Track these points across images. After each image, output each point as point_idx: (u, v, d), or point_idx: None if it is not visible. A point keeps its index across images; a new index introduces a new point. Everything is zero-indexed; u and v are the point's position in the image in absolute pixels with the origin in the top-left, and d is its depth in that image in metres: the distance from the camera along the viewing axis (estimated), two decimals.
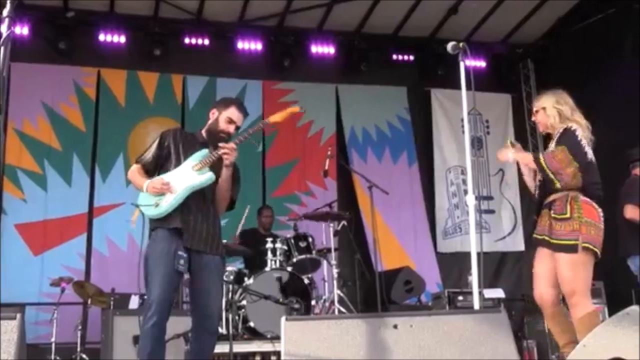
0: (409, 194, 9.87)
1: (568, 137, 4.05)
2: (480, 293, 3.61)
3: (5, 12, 2.57)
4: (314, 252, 7.18)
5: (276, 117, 4.32)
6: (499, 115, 10.55)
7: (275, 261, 6.80)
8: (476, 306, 2.74)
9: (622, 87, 8.36)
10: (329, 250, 7.22)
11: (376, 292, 6.92)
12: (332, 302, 6.89)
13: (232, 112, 4.28)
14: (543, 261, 4.12)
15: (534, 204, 4.37)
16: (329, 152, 7.30)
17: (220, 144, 4.09)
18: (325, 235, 7.41)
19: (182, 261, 3.89)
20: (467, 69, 3.47)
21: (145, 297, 3.96)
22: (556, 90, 4.28)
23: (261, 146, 9.47)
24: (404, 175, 9.98)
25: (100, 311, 7.08)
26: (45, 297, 7.85)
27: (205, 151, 4.16)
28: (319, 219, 7.42)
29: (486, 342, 2.22)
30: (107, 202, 8.68)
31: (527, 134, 10.67)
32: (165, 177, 4.09)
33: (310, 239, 7.23)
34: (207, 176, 4.06)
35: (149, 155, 4.24)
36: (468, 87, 3.38)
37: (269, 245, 6.86)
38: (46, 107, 8.85)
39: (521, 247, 10.09)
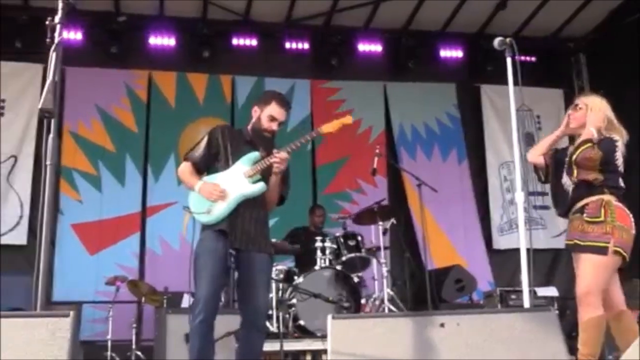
0: (458, 191, 9.77)
1: (607, 146, 4.03)
2: (532, 291, 3.54)
3: (57, 19, 2.64)
4: (363, 250, 7.17)
5: (328, 128, 4.27)
6: (550, 110, 10.35)
7: (325, 260, 6.80)
8: (526, 305, 2.70)
9: None
10: (378, 248, 7.19)
11: (426, 291, 6.87)
12: (382, 301, 6.88)
13: (273, 109, 4.25)
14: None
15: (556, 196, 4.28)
16: (377, 151, 7.27)
17: (274, 153, 4.08)
18: (374, 233, 7.39)
19: (232, 259, 3.96)
20: (515, 65, 3.42)
21: (194, 294, 3.99)
22: (601, 97, 4.26)
23: (311, 145, 9.51)
24: (454, 172, 9.89)
25: (153, 309, 7.22)
26: (101, 296, 8.02)
27: (256, 154, 4.18)
28: (367, 222, 7.40)
29: (535, 341, 2.18)
30: (160, 201, 8.83)
31: None
32: (218, 180, 4.12)
33: (359, 238, 7.23)
34: (259, 187, 4.10)
35: (198, 153, 4.25)
36: (516, 83, 3.33)
37: (319, 244, 6.87)
38: (99, 110, 9.06)
39: None
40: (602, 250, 3.86)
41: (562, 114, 10.26)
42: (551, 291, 7.68)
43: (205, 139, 4.27)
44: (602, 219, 3.94)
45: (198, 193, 4.11)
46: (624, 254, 3.88)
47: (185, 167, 4.27)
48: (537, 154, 4.35)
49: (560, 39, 10.27)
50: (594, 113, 4.09)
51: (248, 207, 4.12)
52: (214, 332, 3.93)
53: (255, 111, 4.30)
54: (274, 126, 4.24)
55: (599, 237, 3.90)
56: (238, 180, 4.11)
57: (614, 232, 3.88)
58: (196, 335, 3.84)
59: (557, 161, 4.25)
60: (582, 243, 3.93)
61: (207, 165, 4.25)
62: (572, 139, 4.38)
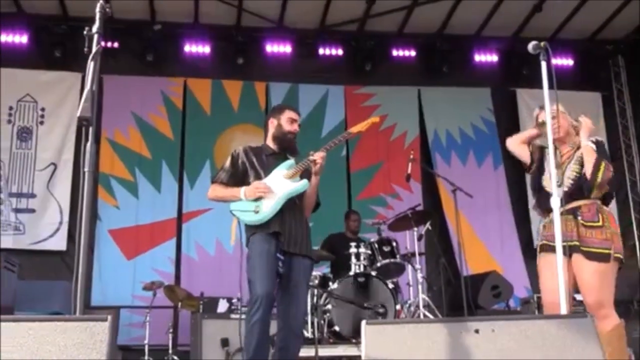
0: (494, 196, 9.68)
1: (605, 153, 4.03)
2: (570, 297, 3.49)
3: (94, 29, 2.69)
4: (398, 256, 7.14)
5: (358, 128, 4.40)
6: (588, 114, 10.17)
7: (360, 265, 6.79)
8: (563, 311, 2.67)
9: None
10: (413, 254, 7.17)
11: (462, 297, 6.81)
12: (418, 307, 6.84)
13: (289, 114, 4.44)
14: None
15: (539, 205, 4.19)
16: (411, 156, 7.25)
17: (310, 154, 4.17)
18: (409, 239, 7.36)
19: (280, 263, 4.03)
20: (550, 69, 3.38)
21: (250, 296, 4.00)
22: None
23: (345, 150, 9.53)
24: (489, 177, 9.80)
25: (189, 314, 7.29)
26: (138, 300, 8.14)
27: (291, 161, 4.29)
28: (402, 228, 7.37)
29: (571, 348, 2.15)
30: (195, 207, 8.91)
31: (619, 133, 10.30)
32: (261, 182, 4.19)
33: (394, 243, 7.19)
34: (303, 183, 4.20)
35: (225, 173, 4.36)
36: (551, 87, 3.29)
37: (353, 249, 6.86)
38: (136, 117, 9.20)
39: None
40: (605, 258, 3.79)
41: (601, 118, 10.20)
42: None
43: (229, 160, 4.41)
44: (600, 224, 3.89)
45: (244, 198, 4.16)
46: (622, 259, 3.88)
47: (217, 187, 4.37)
48: (516, 143, 4.34)
49: (598, 42, 10.11)
50: (584, 127, 4.09)
51: (292, 211, 4.20)
52: (269, 330, 3.96)
53: (272, 122, 4.46)
54: (295, 126, 4.42)
55: (601, 243, 3.83)
56: (281, 182, 4.19)
57: (613, 238, 3.85)
58: (253, 333, 3.86)
59: (541, 159, 4.20)
60: (585, 249, 3.84)
61: (236, 182, 4.31)
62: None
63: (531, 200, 9.48)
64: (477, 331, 2.14)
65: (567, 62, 9.86)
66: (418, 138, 9.81)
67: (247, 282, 4.04)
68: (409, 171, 7.19)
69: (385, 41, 9.76)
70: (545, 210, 4.00)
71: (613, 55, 10.42)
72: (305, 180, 4.20)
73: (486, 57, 9.92)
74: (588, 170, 3.89)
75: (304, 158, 4.29)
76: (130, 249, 8.70)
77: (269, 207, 4.10)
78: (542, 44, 3.26)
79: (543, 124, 4.04)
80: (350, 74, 9.88)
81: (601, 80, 10.32)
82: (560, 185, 3.90)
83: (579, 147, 4.05)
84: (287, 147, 4.40)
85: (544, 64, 3.16)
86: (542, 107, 4.09)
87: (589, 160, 3.89)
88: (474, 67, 9.99)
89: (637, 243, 9.95)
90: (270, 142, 4.45)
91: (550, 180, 3.86)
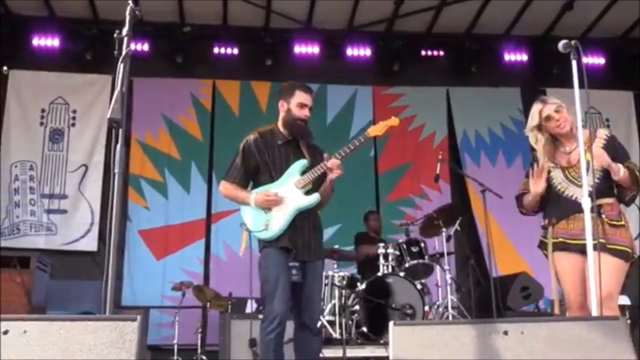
0: None
1: (627, 154, 3.98)
2: (601, 299, 3.44)
3: (124, 31, 2.72)
4: (426, 257, 7.10)
5: (376, 131, 4.26)
6: (620, 113, 10.06)
7: (388, 266, 6.77)
8: (594, 313, 2.63)
9: None
10: (441, 255, 7.13)
11: (491, 298, 6.75)
12: (446, 308, 6.80)
13: (300, 96, 4.27)
14: (577, 267, 3.92)
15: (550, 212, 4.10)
16: (440, 157, 7.21)
17: (325, 159, 4.10)
18: (437, 240, 7.32)
19: (294, 271, 4.02)
20: (581, 68, 3.32)
21: (265, 308, 4.06)
22: None
23: (373, 151, 9.50)
24: (519, 178, 9.61)
25: (218, 314, 7.33)
26: (167, 300, 8.21)
27: (304, 162, 4.20)
28: (431, 234, 7.35)
29: (602, 350, 2.12)
30: (224, 208, 8.93)
31: None
32: (272, 190, 4.12)
33: (422, 244, 7.16)
34: (314, 198, 4.11)
35: (237, 171, 4.27)
36: (582, 86, 3.24)
37: (381, 250, 6.84)
38: (165, 119, 9.28)
39: None
40: (627, 256, 3.83)
41: (633, 117, 10.05)
42: (623, 300, 7.42)
43: (240, 155, 4.29)
44: (623, 223, 3.89)
45: (254, 204, 4.13)
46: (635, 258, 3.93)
47: (228, 185, 4.30)
48: (533, 209, 4.30)
49: (629, 40, 9.95)
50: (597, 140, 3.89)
51: (304, 217, 4.15)
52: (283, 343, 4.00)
53: (282, 105, 4.31)
54: (306, 111, 4.26)
55: (623, 241, 3.83)
56: (291, 192, 4.12)
57: (632, 238, 3.89)
58: (269, 350, 3.90)
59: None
60: (611, 246, 3.79)
61: (248, 180, 4.27)
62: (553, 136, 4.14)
63: None
64: (505, 333, 2.12)
65: (599, 60, 9.72)
66: (447, 138, 9.75)
67: (260, 288, 4.09)
68: (438, 171, 7.14)
69: (413, 41, 9.72)
70: (562, 216, 3.97)
71: None
72: (316, 195, 4.12)
73: (516, 57, 9.82)
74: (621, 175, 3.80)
75: (318, 154, 4.25)
76: (160, 249, 8.79)
77: (278, 225, 4.08)
78: (572, 42, 3.21)
79: (548, 118, 3.99)
80: (379, 75, 9.86)
81: (633, 78, 10.15)
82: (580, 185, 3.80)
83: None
84: (298, 133, 4.29)
85: (574, 63, 3.11)
86: (543, 101, 4.09)
87: (618, 177, 3.81)
88: (504, 67, 9.89)
89: None
90: (281, 127, 4.33)
91: (568, 184, 3.95)
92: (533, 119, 4.12)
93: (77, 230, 8.69)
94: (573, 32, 9.00)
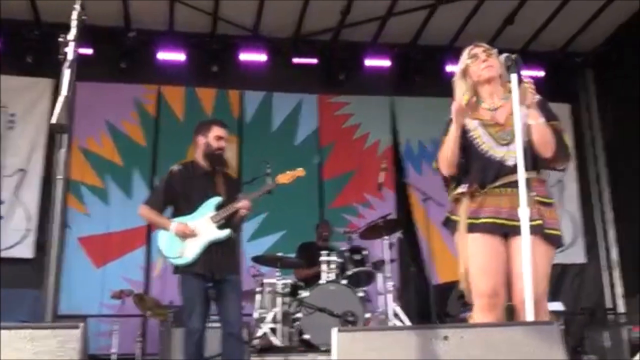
0: None
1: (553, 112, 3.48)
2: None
3: (70, 35, 2.68)
4: (368, 265, 7.17)
5: (284, 179, 4.98)
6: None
7: (330, 274, 6.81)
8: (529, 318, 2.71)
9: None
10: (383, 263, 7.21)
11: (431, 305, 6.87)
12: (387, 316, 6.87)
13: (216, 131, 4.88)
14: (498, 251, 3.33)
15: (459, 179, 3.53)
16: (383, 165, 7.31)
17: (239, 198, 4.75)
18: (380, 247, 7.40)
19: (211, 290, 4.62)
20: (521, 81, 3.40)
21: (186, 326, 4.71)
22: None
23: (318, 159, 9.56)
24: None
25: (158, 323, 7.24)
26: (106, 309, 8.05)
27: (218, 199, 4.76)
28: (373, 237, 7.41)
29: (537, 354, 2.20)
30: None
31: (586, 145, 10.48)
32: (189, 224, 4.68)
33: (365, 252, 7.24)
34: (226, 233, 4.71)
35: (157, 199, 4.91)
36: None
37: (324, 258, 6.88)
38: (109, 125, 9.13)
39: (582, 259, 9.85)
40: (559, 242, 3.34)
41: (570, 129, 10.35)
42: (557, 306, 7.65)
43: (163, 184, 4.95)
44: (552, 200, 3.38)
45: (172, 233, 4.66)
46: None
47: (149, 210, 4.88)
48: (453, 163, 3.57)
49: (568, 54, 10.27)
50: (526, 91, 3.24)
51: (217, 243, 4.71)
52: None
53: (201, 140, 4.90)
54: (223, 143, 4.89)
55: (556, 224, 3.31)
56: (205, 225, 4.70)
57: (560, 219, 3.37)
58: (192, 358, 4.53)
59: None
60: (548, 231, 3.25)
61: (166, 208, 4.89)
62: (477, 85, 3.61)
63: None
64: (446, 338, 2.18)
65: (538, 73, 10.00)
66: (391, 147, 9.87)
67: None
68: (381, 180, 7.24)
69: (359, 51, 9.80)
70: (486, 181, 3.37)
71: (582, 68, 10.59)
72: (228, 231, 4.71)
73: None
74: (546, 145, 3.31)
75: (261, 177, 5.13)
76: (100, 257, 8.61)
77: (192, 254, 4.61)
78: (513, 56, 3.28)
79: (474, 56, 3.57)
80: (324, 83, 9.92)
81: (570, 92, 10.48)
82: (508, 144, 3.32)
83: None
84: (217, 164, 4.87)
85: (514, 77, 3.19)
86: (475, 44, 3.67)
87: (540, 134, 3.30)
88: (447, 78, 9.96)
89: (602, 252, 10.11)
90: (200, 160, 4.88)
91: (492, 143, 3.41)
92: (461, 60, 3.69)
93: (13, 237, 8.43)
94: (514, 44, 9.22)
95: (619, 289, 9.87)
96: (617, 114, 10.07)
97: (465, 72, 3.61)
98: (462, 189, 3.50)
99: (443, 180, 3.76)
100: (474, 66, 3.55)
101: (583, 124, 10.52)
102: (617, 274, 9.95)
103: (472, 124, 3.54)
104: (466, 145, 3.51)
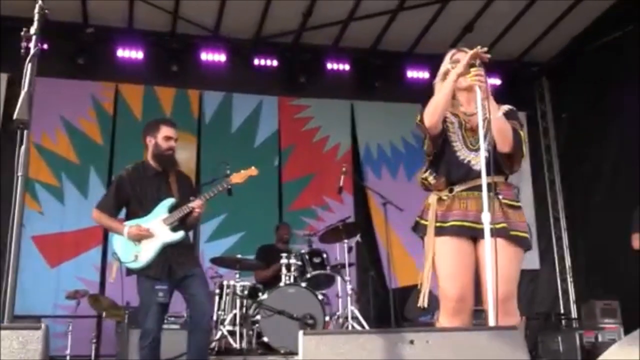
0: None
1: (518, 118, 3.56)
2: (496, 310, 3.44)
3: (32, 30, 2.64)
4: (328, 268, 7.19)
5: (237, 178, 4.84)
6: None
7: (290, 277, 6.81)
8: (491, 323, 2.75)
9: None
10: (343, 266, 7.23)
11: (390, 309, 6.91)
12: (346, 319, 6.89)
13: (165, 131, 4.79)
14: (466, 254, 3.36)
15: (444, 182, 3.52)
16: (343, 169, 7.33)
17: (191, 200, 4.66)
18: (339, 251, 7.42)
19: (161, 294, 4.48)
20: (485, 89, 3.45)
21: (141, 327, 4.64)
22: None
23: (277, 161, 9.55)
24: (420, 192, 9.93)
25: (114, 324, 7.14)
26: (61, 310, 7.90)
27: (171, 201, 4.71)
28: (332, 240, 7.42)
29: (501, 357, 2.23)
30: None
31: (542, 152, 10.68)
32: (143, 226, 4.62)
33: (324, 255, 7.25)
34: (180, 235, 4.67)
35: (109, 203, 4.79)
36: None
37: (284, 260, 6.88)
38: (64, 121, 8.96)
39: (536, 265, 10.03)
40: (527, 244, 3.37)
41: (525, 137, 10.51)
42: None
43: (114, 188, 4.85)
44: (520, 204, 3.42)
45: (127, 237, 4.60)
46: None
47: (102, 215, 4.78)
48: (437, 115, 3.53)
49: (524, 63, 10.47)
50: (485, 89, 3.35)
51: (172, 245, 4.66)
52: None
53: (150, 140, 4.82)
54: (172, 143, 4.80)
55: (524, 226, 3.35)
56: (159, 228, 4.65)
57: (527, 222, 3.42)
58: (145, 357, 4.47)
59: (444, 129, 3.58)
60: (514, 232, 3.29)
61: (118, 211, 4.82)
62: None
63: None
64: (412, 342, 2.19)
65: (495, 81, 10.15)
66: (351, 151, 9.92)
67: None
68: (341, 184, 7.25)
69: (320, 54, 9.84)
70: (455, 180, 3.44)
71: (538, 77, 10.81)
72: (182, 233, 4.66)
73: (418, 74, 10.09)
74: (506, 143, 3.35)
75: (218, 178, 4.98)
76: (54, 256, 8.44)
77: (146, 257, 4.57)
78: (477, 63, 3.32)
79: (456, 62, 3.63)
80: (285, 86, 9.91)
81: (527, 100, 10.66)
82: (477, 150, 3.34)
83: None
84: (166, 164, 4.79)
85: (474, 69, 3.24)
86: (458, 48, 3.75)
87: (501, 131, 3.35)
88: (406, 83, 10.15)
89: (556, 258, 10.31)
90: (150, 160, 4.80)
91: (462, 146, 3.47)
92: (443, 63, 3.79)
93: None
94: None
95: (572, 295, 10.09)
96: (571, 122, 10.30)
97: (446, 76, 3.67)
98: (431, 176, 3.62)
99: (423, 136, 3.70)
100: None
101: (539, 132, 10.71)
102: (570, 279, 10.17)
103: (452, 118, 3.62)
104: (443, 138, 3.57)
